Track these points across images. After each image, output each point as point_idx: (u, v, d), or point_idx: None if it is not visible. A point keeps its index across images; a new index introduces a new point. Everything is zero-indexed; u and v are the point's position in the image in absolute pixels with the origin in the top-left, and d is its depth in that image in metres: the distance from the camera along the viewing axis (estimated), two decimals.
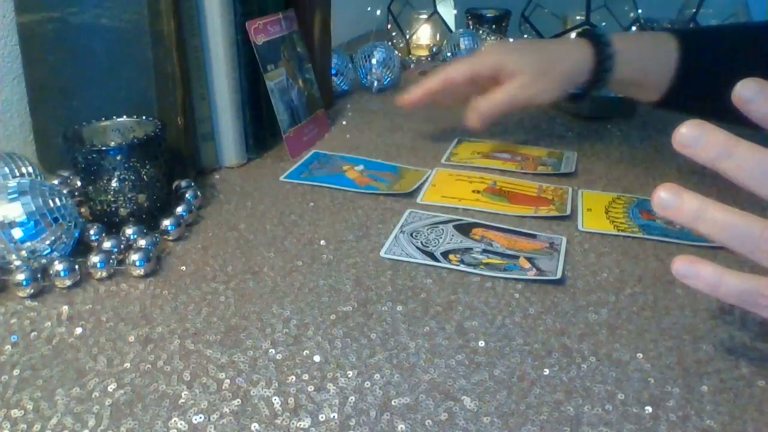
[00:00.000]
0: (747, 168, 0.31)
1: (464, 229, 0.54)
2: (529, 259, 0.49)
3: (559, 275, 0.47)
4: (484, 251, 0.50)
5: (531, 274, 0.47)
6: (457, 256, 0.49)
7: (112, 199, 0.50)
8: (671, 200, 0.32)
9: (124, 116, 0.55)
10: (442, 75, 0.65)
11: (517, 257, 0.49)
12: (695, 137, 0.31)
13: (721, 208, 0.32)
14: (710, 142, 0.31)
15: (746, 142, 0.31)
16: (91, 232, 0.49)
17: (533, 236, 0.53)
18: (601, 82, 0.61)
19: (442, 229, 0.53)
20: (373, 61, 0.94)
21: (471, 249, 0.50)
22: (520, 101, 0.61)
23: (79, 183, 0.55)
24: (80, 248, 0.48)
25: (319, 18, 0.79)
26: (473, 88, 0.65)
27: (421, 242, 0.51)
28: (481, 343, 0.40)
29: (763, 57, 0.56)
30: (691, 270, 0.33)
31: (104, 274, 0.46)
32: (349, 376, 0.37)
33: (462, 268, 0.48)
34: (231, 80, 0.63)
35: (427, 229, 0.53)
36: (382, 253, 0.50)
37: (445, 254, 0.49)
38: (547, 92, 0.61)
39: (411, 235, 0.52)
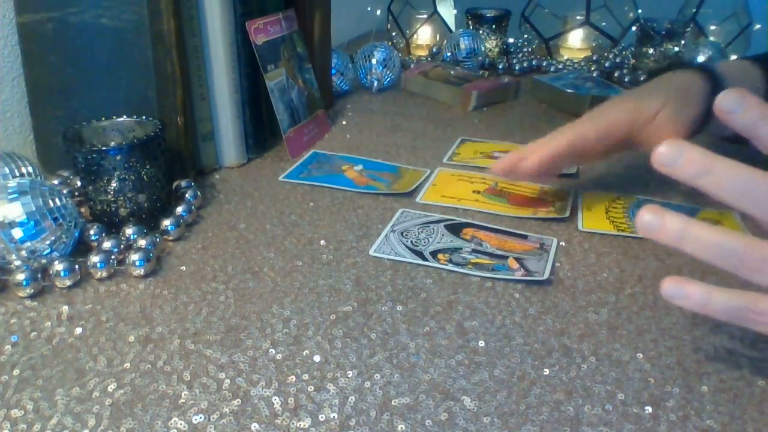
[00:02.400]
0: (725, 185, 0.31)
1: (455, 228, 0.54)
2: (518, 260, 0.49)
3: (546, 276, 0.47)
4: (474, 251, 0.50)
5: (518, 275, 0.47)
6: (446, 255, 0.49)
7: (112, 199, 0.50)
8: (654, 222, 0.32)
9: (124, 116, 0.55)
10: (569, 133, 0.53)
11: (506, 257, 0.49)
12: (673, 157, 0.32)
13: (703, 226, 0.32)
14: (688, 160, 0.31)
15: (724, 159, 0.31)
16: (91, 232, 0.49)
17: (524, 237, 0.53)
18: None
19: (433, 229, 0.53)
20: (373, 61, 0.94)
21: (460, 249, 0.50)
22: (682, 127, 0.54)
23: (79, 183, 0.55)
24: (80, 248, 0.48)
25: (319, 18, 0.79)
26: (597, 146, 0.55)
27: (411, 241, 0.51)
28: (481, 343, 0.40)
29: None
30: (680, 291, 0.33)
31: (104, 274, 0.46)
32: (349, 376, 0.37)
33: (450, 267, 0.48)
34: (231, 80, 0.63)
35: (418, 229, 0.53)
36: (371, 252, 0.50)
37: (434, 254, 0.50)
38: (692, 117, 0.54)
39: (402, 234, 0.52)
